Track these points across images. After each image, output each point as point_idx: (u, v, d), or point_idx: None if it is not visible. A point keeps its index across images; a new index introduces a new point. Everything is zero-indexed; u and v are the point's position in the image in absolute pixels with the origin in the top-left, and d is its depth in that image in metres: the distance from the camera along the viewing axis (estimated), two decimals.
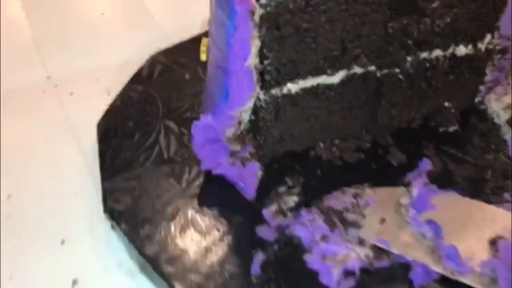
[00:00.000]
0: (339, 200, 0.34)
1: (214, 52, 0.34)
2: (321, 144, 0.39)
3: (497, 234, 0.31)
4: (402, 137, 0.40)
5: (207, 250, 0.33)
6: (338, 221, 0.33)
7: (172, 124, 0.42)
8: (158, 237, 0.34)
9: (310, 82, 0.36)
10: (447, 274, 0.30)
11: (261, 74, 0.33)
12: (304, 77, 0.35)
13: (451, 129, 0.41)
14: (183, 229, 0.35)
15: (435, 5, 0.35)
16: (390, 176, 0.37)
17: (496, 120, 0.42)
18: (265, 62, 0.33)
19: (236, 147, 0.36)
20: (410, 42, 0.37)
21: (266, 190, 0.36)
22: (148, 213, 0.36)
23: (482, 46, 0.39)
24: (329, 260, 0.31)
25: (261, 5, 0.30)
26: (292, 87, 0.35)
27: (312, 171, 0.37)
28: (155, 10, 0.59)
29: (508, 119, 0.41)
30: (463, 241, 0.31)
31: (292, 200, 0.35)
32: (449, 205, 0.33)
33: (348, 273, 0.30)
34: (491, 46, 0.40)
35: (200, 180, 0.37)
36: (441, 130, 0.41)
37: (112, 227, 0.37)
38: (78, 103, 0.49)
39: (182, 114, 0.43)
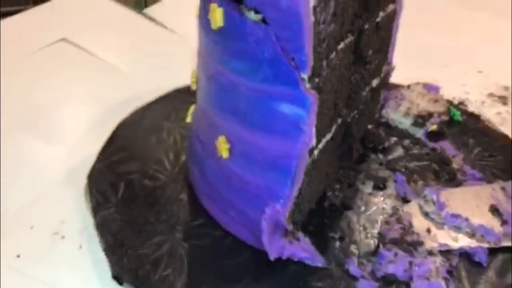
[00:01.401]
0: (393, 228, 0.40)
1: (270, 143, 0.35)
2: (328, 193, 0.43)
3: (494, 202, 0.42)
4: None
5: None
6: (409, 246, 0.38)
7: None
8: None
9: (324, 140, 0.40)
10: (493, 245, 0.39)
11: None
12: (322, 138, 0.39)
13: (386, 144, 0.50)
14: None
15: (371, 53, 0.44)
16: None
17: (400, 126, 0.53)
18: None
19: (290, 225, 0.38)
20: (362, 85, 0.45)
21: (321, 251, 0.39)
22: None
23: (382, 74, 0.50)
24: (429, 275, 0.36)
25: None
26: (315, 150, 0.39)
27: (337, 216, 0.42)
28: None
29: (412, 122, 0.53)
30: (475, 216, 0.41)
31: (354, 248, 0.39)
32: (453, 196, 0.43)
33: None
34: (385, 72, 0.50)
35: None
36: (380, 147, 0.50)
37: None
38: None
39: None
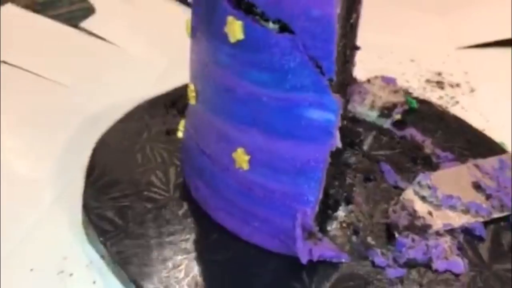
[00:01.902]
0: (401, 216, 0.42)
1: (296, 150, 0.35)
2: (331, 191, 0.45)
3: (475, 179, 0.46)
4: None
5: None
6: (420, 230, 0.41)
7: None
8: None
9: None
10: (486, 218, 0.43)
11: None
12: None
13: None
14: None
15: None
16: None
17: (367, 119, 0.56)
18: None
19: (316, 227, 0.39)
20: None
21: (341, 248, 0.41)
22: None
23: None
24: (446, 255, 0.39)
25: None
26: None
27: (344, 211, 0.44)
28: None
29: (378, 114, 0.56)
30: (464, 195, 0.45)
31: (370, 240, 0.41)
32: (439, 179, 0.46)
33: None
34: None
35: None
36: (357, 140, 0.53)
37: None
38: None
39: None
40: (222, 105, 0.37)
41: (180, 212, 0.43)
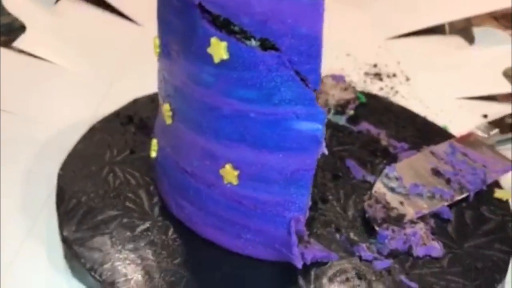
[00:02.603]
0: (377, 209, 0.44)
1: (286, 161, 0.36)
2: None
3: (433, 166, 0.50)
4: None
5: None
6: (396, 220, 0.44)
7: None
8: None
9: None
10: (450, 202, 0.47)
11: None
12: None
13: None
14: None
15: None
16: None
17: None
18: None
19: (307, 232, 0.40)
20: None
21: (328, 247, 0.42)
22: None
23: None
24: (423, 241, 0.42)
25: None
26: None
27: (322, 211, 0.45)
28: None
29: (333, 112, 0.58)
30: (427, 182, 0.48)
31: (353, 235, 0.43)
32: (402, 169, 0.49)
33: None
34: None
35: None
36: None
37: None
38: None
39: None
40: (206, 124, 0.38)
41: (167, 234, 0.42)
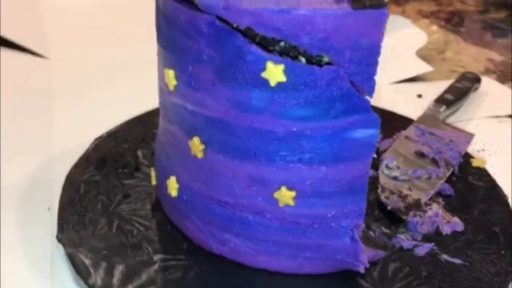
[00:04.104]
0: (394, 200, 0.47)
1: (343, 171, 0.36)
2: None
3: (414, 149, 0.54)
4: None
5: None
6: (415, 206, 0.46)
7: None
8: None
9: None
10: (444, 178, 0.51)
11: None
12: None
13: None
14: None
15: None
16: None
17: None
18: None
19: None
20: None
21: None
22: None
23: None
24: (446, 220, 0.45)
25: None
26: None
27: None
28: None
29: None
30: (418, 166, 0.52)
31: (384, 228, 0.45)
32: (393, 156, 0.52)
33: None
34: None
35: None
36: None
37: None
38: None
39: None
40: (255, 150, 0.36)
41: (217, 272, 0.40)
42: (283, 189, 0.37)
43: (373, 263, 0.41)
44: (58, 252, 0.44)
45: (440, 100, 0.64)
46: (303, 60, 0.34)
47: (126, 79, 0.71)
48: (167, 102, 0.41)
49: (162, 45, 0.39)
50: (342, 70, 0.33)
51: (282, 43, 0.33)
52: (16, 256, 0.44)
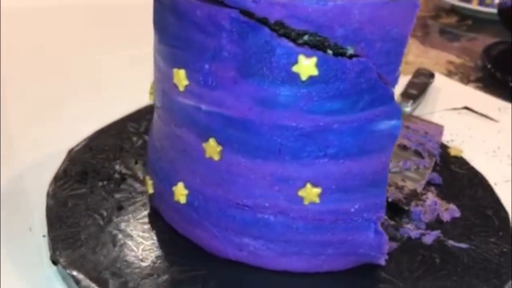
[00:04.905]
0: (393, 192, 0.47)
1: (366, 164, 0.36)
2: None
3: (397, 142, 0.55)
4: None
5: None
6: (412, 196, 0.47)
7: None
8: None
9: None
10: (431, 168, 0.52)
11: None
12: None
13: None
14: None
15: None
16: None
17: None
18: None
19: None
20: None
21: None
22: None
23: None
24: (444, 206, 0.47)
25: None
26: None
27: None
28: None
29: None
30: (404, 157, 0.53)
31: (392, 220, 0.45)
32: None
33: None
34: None
35: None
36: None
37: None
38: None
39: None
40: (280, 147, 0.35)
41: (234, 280, 0.39)
42: (308, 186, 0.36)
43: (388, 255, 0.41)
44: (54, 276, 0.40)
45: (406, 95, 0.66)
46: (330, 52, 0.33)
47: (94, 86, 0.67)
48: (173, 105, 0.38)
49: (170, 44, 0.37)
50: (370, 62, 0.33)
51: (306, 36, 0.32)
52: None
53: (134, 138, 0.54)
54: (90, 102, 0.64)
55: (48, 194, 0.45)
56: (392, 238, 0.43)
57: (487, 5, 1.02)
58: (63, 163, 0.49)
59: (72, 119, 0.60)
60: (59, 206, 0.44)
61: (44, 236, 0.43)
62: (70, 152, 0.51)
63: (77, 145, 0.52)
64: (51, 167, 0.49)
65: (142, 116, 0.58)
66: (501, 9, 0.92)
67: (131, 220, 0.43)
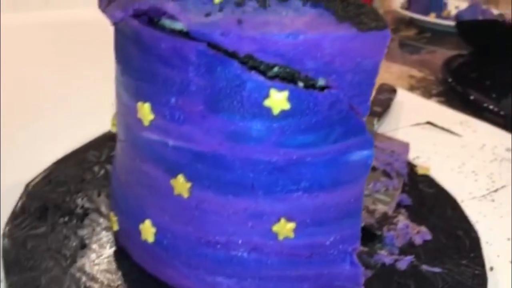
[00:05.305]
0: (364, 217, 0.46)
1: (340, 196, 0.35)
2: None
3: None
4: None
5: None
6: (384, 220, 0.46)
7: None
8: None
9: None
10: (399, 189, 0.52)
11: None
12: None
13: None
14: None
15: None
16: None
17: None
18: None
19: None
20: None
21: None
22: None
23: None
24: (415, 229, 0.46)
25: None
26: None
27: None
28: None
29: None
30: (374, 178, 0.53)
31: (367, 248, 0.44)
32: None
33: None
34: None
35: None
36: None
37: None
38: None
39: None
40: (253, 182, 0.34)
41: None
42: (283, 221, 0.35)
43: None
44: None
45: (371, 113, 0.66)
46: (301, 84, 0.32)
47: (50, 111, 0.64)
48: (138, 139, 0.37)
49: (133, 76, 0.35)
50: (342, 93, 0.32)
51: (276, 68, 0.31)
52: None
53: (96, 168, 0.52)
54: (46, 129, 0.61)
55: (4, 235, 0.43)
56: (366, 266, 0.43)
57: (445, 18, 1.04)
58: (20, 198, 0.47)
59: (28, 148, 0.57)
60: (17, 247, 0.41)
61: None
62: (27, 185, 0.48)
63: (35, 178, 0.49)
64: (6, 203, 0.47)
65: (103, 143, 0.55)
66: (459, 22, 0.94)
67: (96, 260, 0.41)
